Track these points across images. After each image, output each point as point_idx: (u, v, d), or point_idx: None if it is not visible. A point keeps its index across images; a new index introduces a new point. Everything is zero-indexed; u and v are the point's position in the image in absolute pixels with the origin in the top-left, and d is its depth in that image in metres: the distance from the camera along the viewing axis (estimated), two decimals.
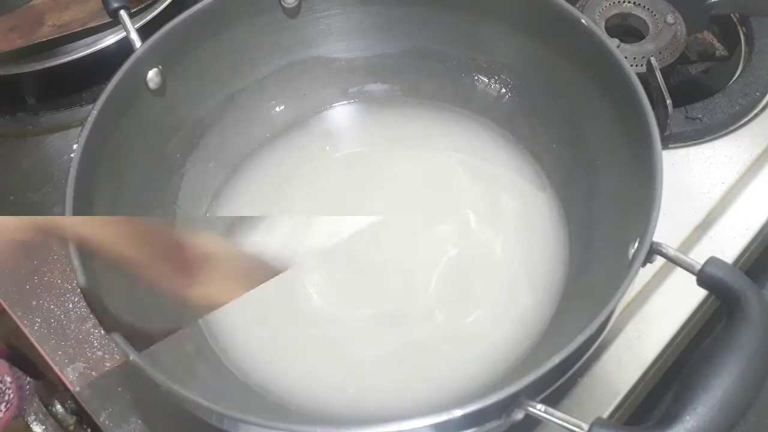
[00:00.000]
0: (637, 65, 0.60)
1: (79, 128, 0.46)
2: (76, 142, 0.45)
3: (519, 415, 0.37)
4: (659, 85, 0.57)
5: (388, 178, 0.57)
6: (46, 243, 0.49)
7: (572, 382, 0.49)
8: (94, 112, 0.47)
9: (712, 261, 0.39)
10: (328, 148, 0.59)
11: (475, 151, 0.57)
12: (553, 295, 0.50)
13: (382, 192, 0.56)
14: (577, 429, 0.36)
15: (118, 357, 0.53)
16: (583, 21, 0.49)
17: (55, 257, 0.57)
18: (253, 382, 0.48)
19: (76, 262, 0.41)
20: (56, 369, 0.53)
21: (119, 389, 0.52)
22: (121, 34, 0.54)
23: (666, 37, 0.61)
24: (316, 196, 0.56)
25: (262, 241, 0.45)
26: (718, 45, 0.67)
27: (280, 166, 0.58)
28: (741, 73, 0.64)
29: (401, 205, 0.55)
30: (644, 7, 0.63)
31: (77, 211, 0.43)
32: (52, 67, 0.63)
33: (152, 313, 0.48)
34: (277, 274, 0.44)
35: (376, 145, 0.59)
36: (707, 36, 0.68)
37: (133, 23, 0.51)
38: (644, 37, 0.62)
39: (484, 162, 0.57)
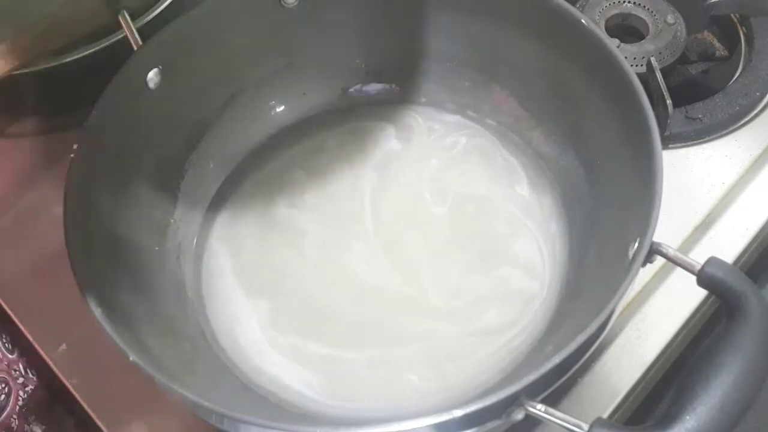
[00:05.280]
0: (637, 65, 0.60)
1: (79, 128, 0.46)
2: (76, 143, 0.45)
3: (519, 415, 0.37)
4: (659, 85, 0.57)
5: (388, 179, 0.57)
6: None
7: (572, 382, 0.49)
8: (94, 112, 0.47)
9: (712, 261, 0.39)
10: (328, 147, 0.59)
11: (474, 151, 0.57)
12: (553, 294, 0.50)
13: (383, 193, 0.56)
14: (577, 429, 0.36)
15: (118, 357, 0.53)
16: (583, 21, 0.49)
17: (56, 258, 0.57)
18: (252, 381, 0.49)
19: (76, 264, 0.41)
20: (56, 369, 0.53)
21: (119, 389, 0.52)
22: (121, 34, 0.54)
23: (666, 37, 0.61)
24: (315, 196, 0.56)
25: None
26: (718, 45, 0.67)
27: (279, 166, 0.58)
28: (741, 73, 0.64)
29: (400, 205, 0.55)
30: (644, 7, 0.63)
31: (77, 211, 0.43)
32: (52, 67, 0.63)
33: (151, 315, 0.48)
34: None
35: (377, 146, 0.59)
36: (707, 36, 0.68)
37: (133, 23, 0.51)
38: (644, 37, 0.62)
39: (483, 162, 0.57)
